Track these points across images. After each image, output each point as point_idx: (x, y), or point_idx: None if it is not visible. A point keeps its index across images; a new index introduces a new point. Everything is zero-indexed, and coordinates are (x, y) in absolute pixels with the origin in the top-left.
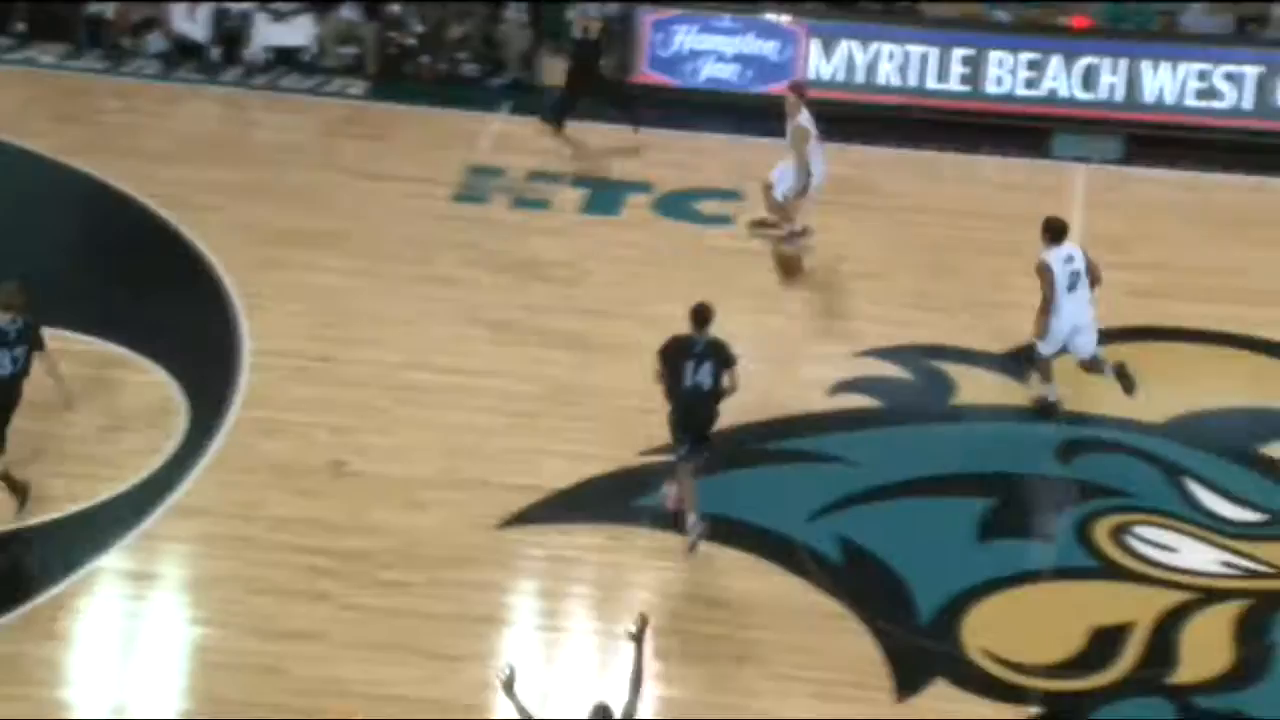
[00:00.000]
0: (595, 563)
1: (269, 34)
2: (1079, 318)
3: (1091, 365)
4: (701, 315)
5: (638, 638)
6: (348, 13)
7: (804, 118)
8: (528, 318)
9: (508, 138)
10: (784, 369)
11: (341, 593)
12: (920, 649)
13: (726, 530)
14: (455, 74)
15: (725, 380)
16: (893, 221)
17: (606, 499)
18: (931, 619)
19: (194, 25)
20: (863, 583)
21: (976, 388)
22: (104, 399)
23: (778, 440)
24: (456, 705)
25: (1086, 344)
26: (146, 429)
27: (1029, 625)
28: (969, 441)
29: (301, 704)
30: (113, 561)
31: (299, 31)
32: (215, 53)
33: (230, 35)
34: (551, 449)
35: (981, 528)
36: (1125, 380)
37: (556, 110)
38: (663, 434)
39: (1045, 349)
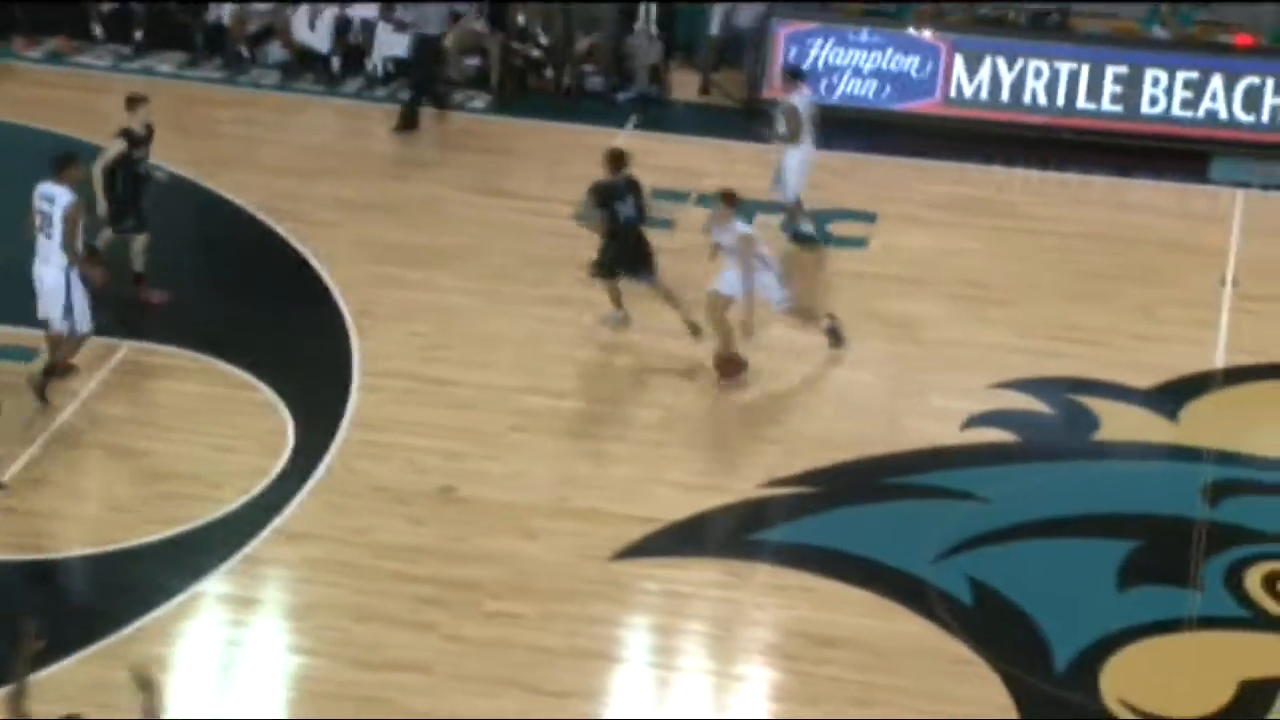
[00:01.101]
0: (711, 598)
1: (391, 44)
2: None
3: None
4: (617, 158)
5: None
6: (473, 23)
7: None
8: (649, 341)
9: (633, 154)
10: (915, 399)
11: (448, 623)
12: (1055, 698)
13: (849, 567)
14: (581, 87)
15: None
16: (1034, 247)
17: (724, 532)
18: (1068, 667)
19: (315, 35)
20: (993, 627)
21: (1121, 424)
22: (209, 417)
23: (905, 474)
24: None
25: None
26: (252, 450)
27: (1173, 676)
28: (1111, 481)
29: None
30: (215, 585)
31: None
32: (336, 63)
33: (351, 46)
34: (668, 479)
35: (1122, 572)
36: None
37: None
38: (784, 466)
39: None
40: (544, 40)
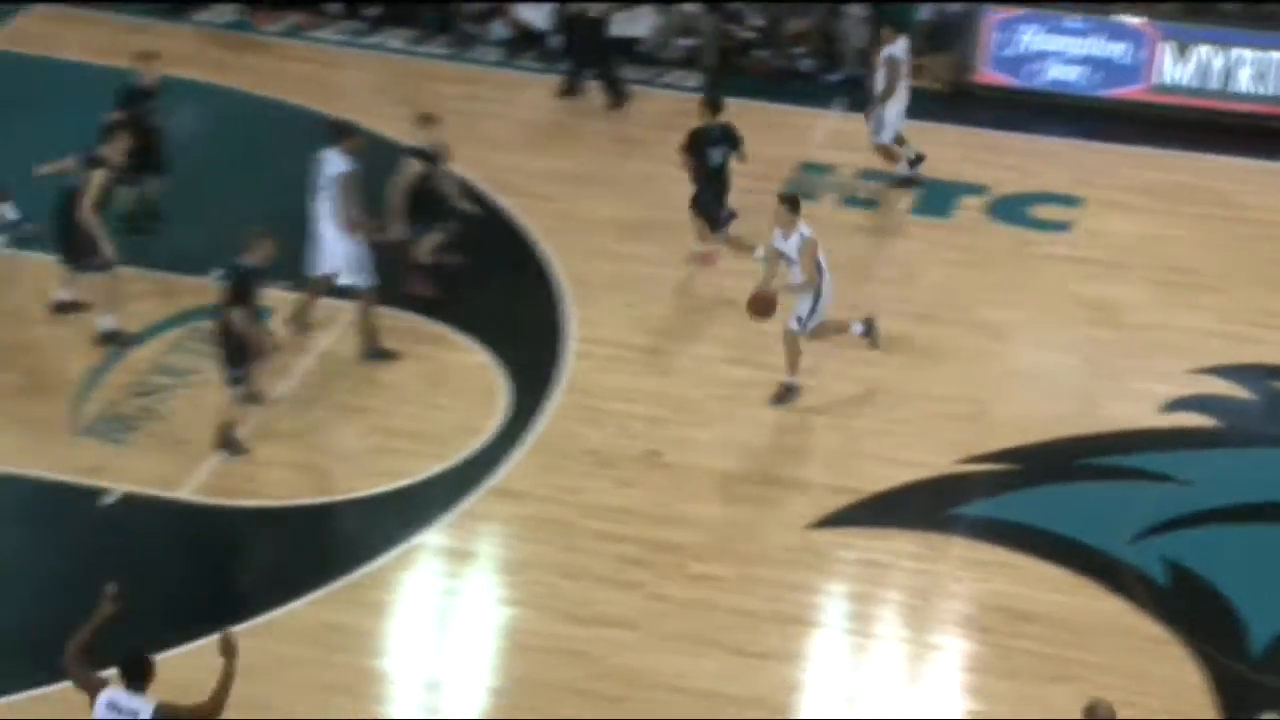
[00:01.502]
0: (908, 569)
1: (610, 25)
2: None
3: None
4: (714, 105)
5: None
6: (688, 6)
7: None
8: (852, 317)
9: (841, 135)
10: (1115, 382)
11: (652, 583)
12: (1250, 680)
13: (1046, 544)
14: (791, 69)
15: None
16: (1241, 235)
17: (922, 505)
18: (1265, 651)
19: (537, 14)
20: (1189, 608)
21: None
22: (431, 378)
23: (1104, 455)
24: (758, 702)
25: None
26: (470, 409)
27: None
28: None
29: (607, 690)
30: (434, 538)
31: (640, 23)
32: (556, 41)
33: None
34: (869, 452)
35: None
36: None
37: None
38: (982, 444)
39: None
40: (756, 22)
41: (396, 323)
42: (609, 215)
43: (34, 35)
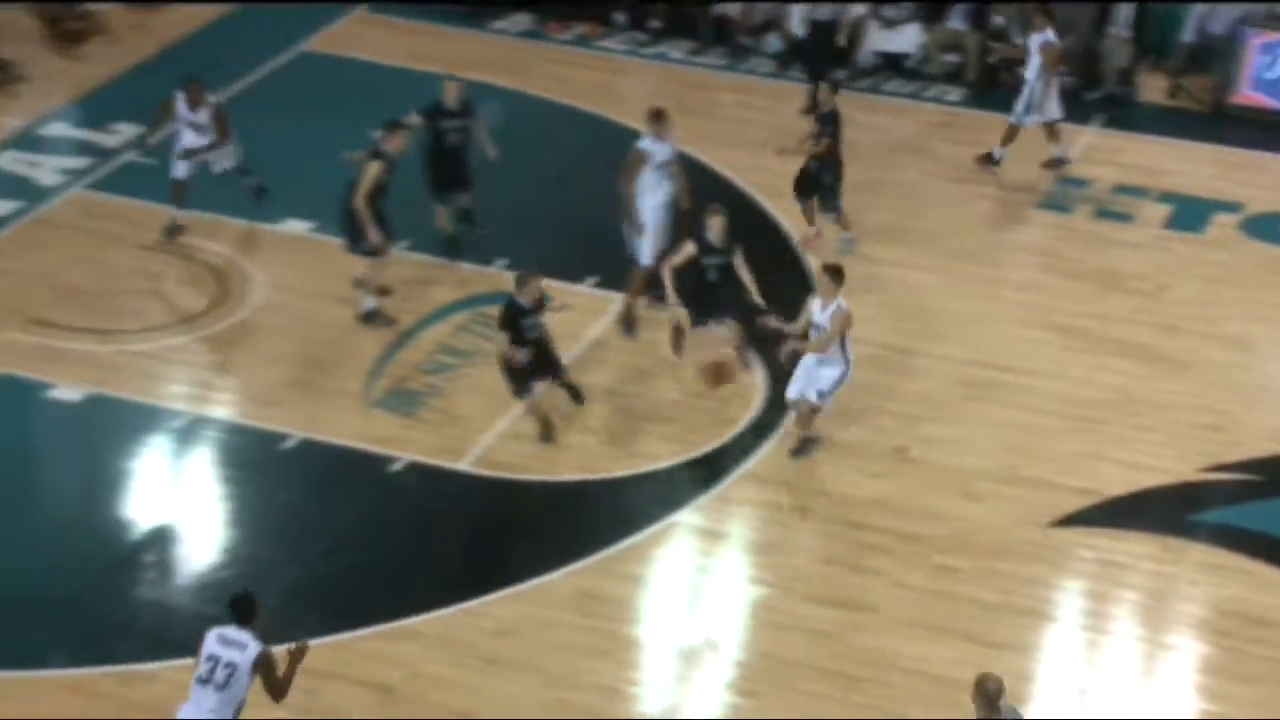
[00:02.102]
0: (1146, 571)
1: (878, 40)
2: None
3: None
4: (831, 87)
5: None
6: (954, 23)
7: None
8: (1099, 326)
9: (1098, 150)
10: None
11: (895, 570)
12: None
13: None
14: None
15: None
16: None
17: (1162, 510)
18: None
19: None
20: None
21: None
22: (691, 369)
23: None
24: None
25: None
26: (726, 400)
27: None
28: None
29: (847, 669)
30: (688, 518)
31: (907, 39)
32: (867, 55)
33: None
34: (1111, 456)
35: None
36: None
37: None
38: (1226, 453)
39: None
40: (1019, 41)
41: (661, 315)
42: (866, 220)
43: (349, 38)
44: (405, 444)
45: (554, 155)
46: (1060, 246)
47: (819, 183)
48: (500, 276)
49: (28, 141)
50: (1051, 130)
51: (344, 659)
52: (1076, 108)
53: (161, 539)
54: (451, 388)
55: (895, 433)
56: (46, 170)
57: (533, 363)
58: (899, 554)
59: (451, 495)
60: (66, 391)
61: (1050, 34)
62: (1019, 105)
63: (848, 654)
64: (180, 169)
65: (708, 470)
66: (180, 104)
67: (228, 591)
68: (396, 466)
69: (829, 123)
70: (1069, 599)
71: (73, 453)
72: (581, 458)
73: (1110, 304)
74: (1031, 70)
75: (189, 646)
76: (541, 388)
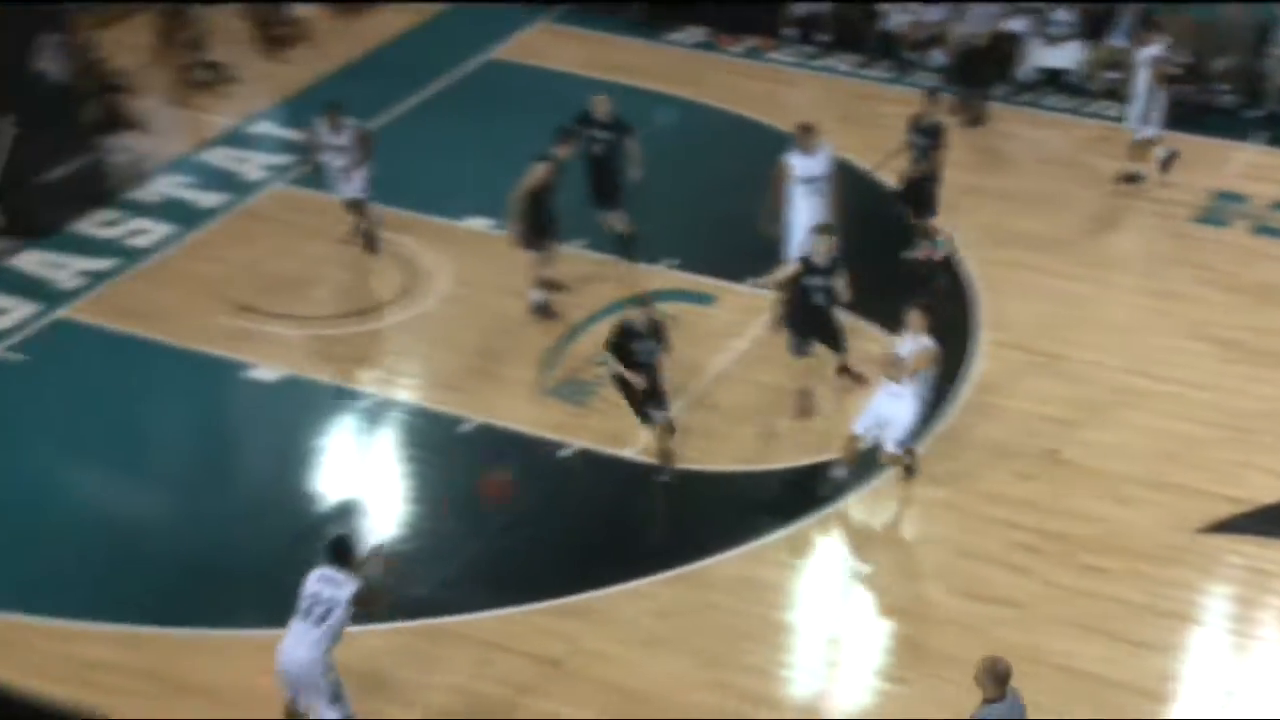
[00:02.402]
0: None
1: (1041, 56)
2: None
3: None
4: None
5: None
6: (1116, 40)
7: None
8: (1254, 339)
9: (1258, 167)
10: None
11: (1043, 569)
12: None
13: None
14: (1212, 103)
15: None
16: None
17: None
18: None
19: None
20: None
21: None
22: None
23: None
24: (1139, 688)
25: None
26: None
27: None
28: None
29: None
30: (843, 510)
31: (1068, 55)
32: (1028, 70)
33: (1003, 55)
34: (1261, 464)
35: None
36: None
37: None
38: None
39: None
40: (1181, 59)
41: None
42: (1025, 229)
43: (535, 47)
44: (576, 431)
45: (723, 161)
46: (1216, 260)
47: (924, 193)
48: (670, 275)
49: (237, 139)
50: (1144, 146)
51: (514, 632)
52: (1236, 125)
53: (347, 513)
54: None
55: (1048, 436)
56: (253, 166)
57: (646, 389)
58: (1048, 553)
59: (618, 481)
60: (264, 372)
61: (1158, 48)
62: (1133, 120)
63: (995, 647)
64: (347, 189)
65: (863, 465)
66: (322, 128)
67: (407, 564)
68: (567, 452)
69: (931, 135)
70: (1215, 603)
71: (267, 430)
72: (742, 449)
73: (1266, 317)
74: (1140, 83)
75: (370, 613)
76: (662, 415)
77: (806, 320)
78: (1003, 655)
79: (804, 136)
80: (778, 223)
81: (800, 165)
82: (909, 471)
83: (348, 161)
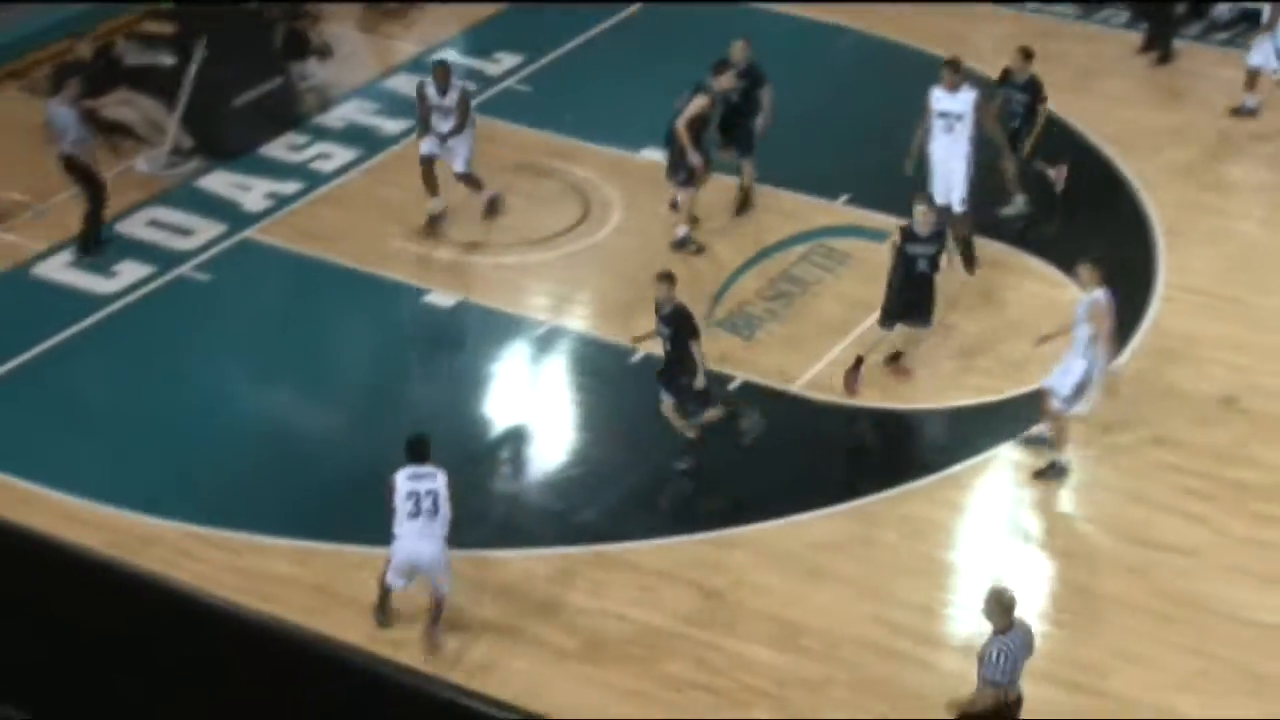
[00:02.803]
0: None
1: None
2: None
3: None
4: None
5: None
6: None
7: None
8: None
9: None
10: None
11: (1216, 517)
12: None
13: None
14: None
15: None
16: None
17: None
18: None
19: None
20: None
21: None
22: (1025, 309)
23: None
24: None
25: None
26: (1056, 341)
27: None
28: None
29: (1160, 608)
30: (1009, 452)
31: None
32: (1180, 8)
33: None
34: None
35: None
36: None
37: None
38: None
39: None
40: None
41: (1005, 258)
42: (1210, 172)
43: None
44: (742, 364)
45: (901, 97)
46: None
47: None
48: (844, 211)
49: (420, 66)
50: (1254, 77)
51: (676, 560)
52: None
53: (516, 438)
54: (789, 314)
55: (1225, 382)
56: None
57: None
58: (1220, 500)
59: (782, 416)
60: (440, 297)
61: None
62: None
63: (1162, 593)
64: (424, 145)
65: (1031, 407)
66: (430, 88)
67: (575, 488)
68: (733, 385)
69: (1029, 90)
70: None
71: (440, 354)
72: (909, 388)
73: None
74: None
75: (536, 537)
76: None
77: (907, 289)
78: (1167, 595)
79: (948, 73)
80: (917, 159)
81: (940, 101)
82: (1051, 471)
83: (452, 124)
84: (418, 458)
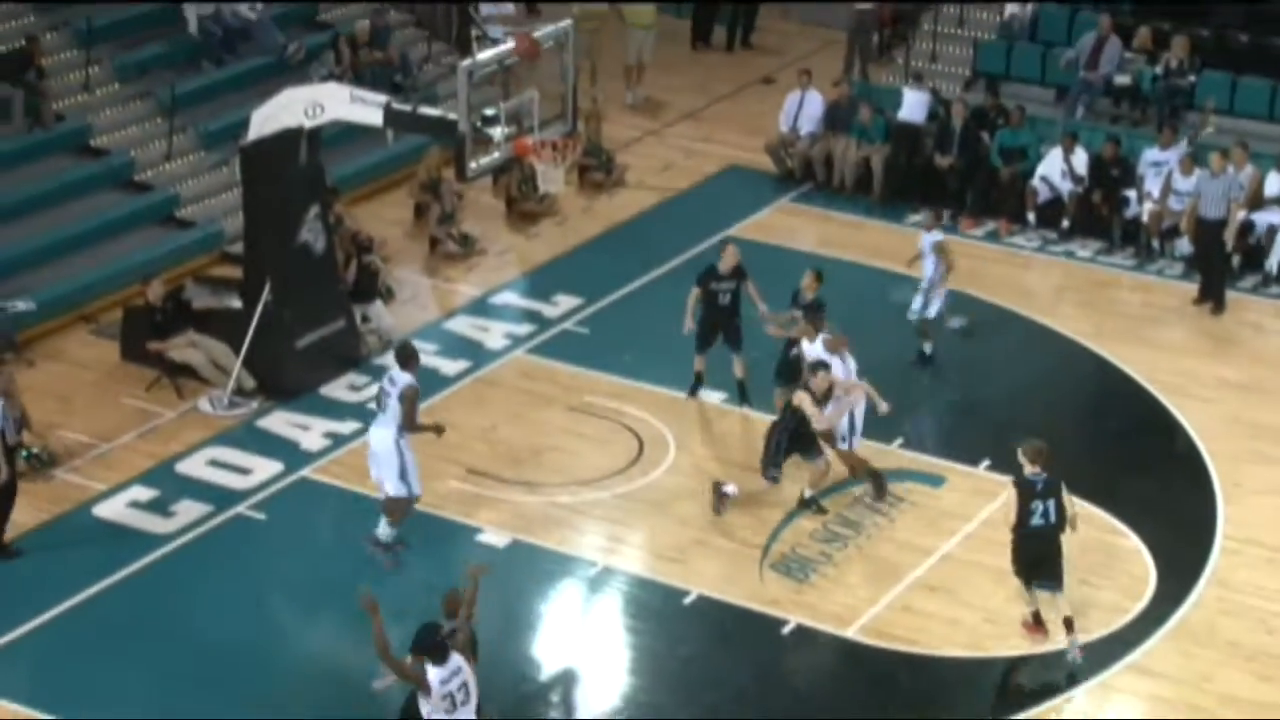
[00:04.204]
0: None
1: None
2: None
3: None
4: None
5: None
6: None
7: None
8: None
9: None
10: None
11: None
12: None
13: None
14: None
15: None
16: None
17: None
18: None
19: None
20: None
21: None
22: (1083, 555)
23: None
24: None
25: None
26: (1116, 589)
27: None
28: None
29: None
30: (1071, 706)
31: None
32: (1235, 261)
33: (1251, 246)
34: None
35: None
36: None
37: None
38: None
39: None
40: None
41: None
42: (1271, 423)
43: (771, 227)
44: (796, 608)
45: (955, 343)
46: None
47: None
48: (898, 454)
49: (480, 308)
50: None
51: None
52: None
53: (567, 678)
54: (842, 557)
55: None
56: (494, 335)
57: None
58: None
59: (838, 661)
60: (493, 536)
61: None
62: None
63: None
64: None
65: (1094, 658)
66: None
67: None
68: (787, 629)
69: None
70: None
71: (494, 593)
72: (969, 635)
73: None
74: None
75: None
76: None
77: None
78: None
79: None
80: None
81: None
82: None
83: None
84: (439, 658)
